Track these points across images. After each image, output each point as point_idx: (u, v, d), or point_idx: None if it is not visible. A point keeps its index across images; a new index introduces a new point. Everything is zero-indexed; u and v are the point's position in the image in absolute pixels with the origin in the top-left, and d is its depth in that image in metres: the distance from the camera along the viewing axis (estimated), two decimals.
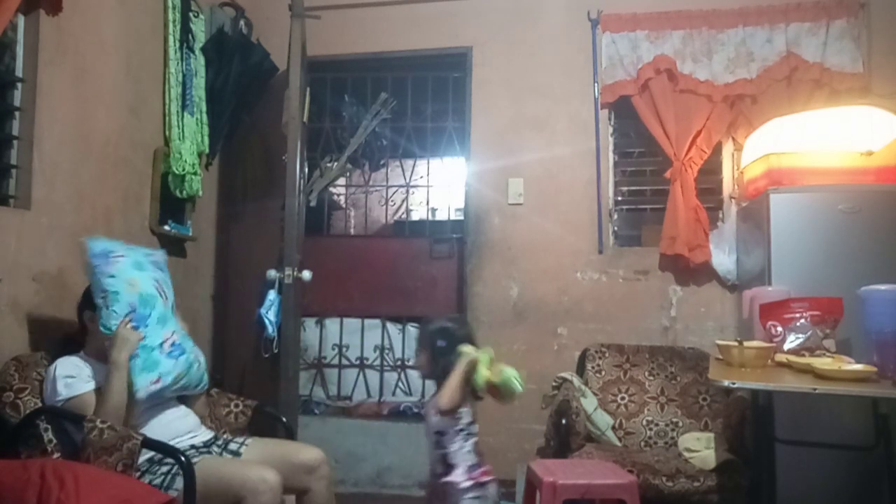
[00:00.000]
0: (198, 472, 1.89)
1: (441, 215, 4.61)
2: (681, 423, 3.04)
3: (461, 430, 1.99)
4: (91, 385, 2.00)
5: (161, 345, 2.09)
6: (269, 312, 2.85)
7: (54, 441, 1.96)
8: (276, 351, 2.87)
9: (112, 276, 2.05)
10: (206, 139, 3.37)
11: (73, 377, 2.00)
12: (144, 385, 2.00)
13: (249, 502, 1.85)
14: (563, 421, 2.85)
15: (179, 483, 1.86)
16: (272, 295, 2.86)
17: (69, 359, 2.06)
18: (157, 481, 1.91)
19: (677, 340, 3.35)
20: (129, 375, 1.98)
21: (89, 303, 2.11)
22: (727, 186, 3.48)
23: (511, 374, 1.90)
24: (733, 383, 1.87)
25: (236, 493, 1.86)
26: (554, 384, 3.16)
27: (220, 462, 2.07)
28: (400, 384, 3.66)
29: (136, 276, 2.10)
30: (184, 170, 3.09)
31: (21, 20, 2.29)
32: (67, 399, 1.96)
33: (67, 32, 2.43)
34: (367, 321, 3.72)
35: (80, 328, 2.18)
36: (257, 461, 2.08)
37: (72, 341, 2.19)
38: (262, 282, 2.92)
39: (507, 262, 3.56)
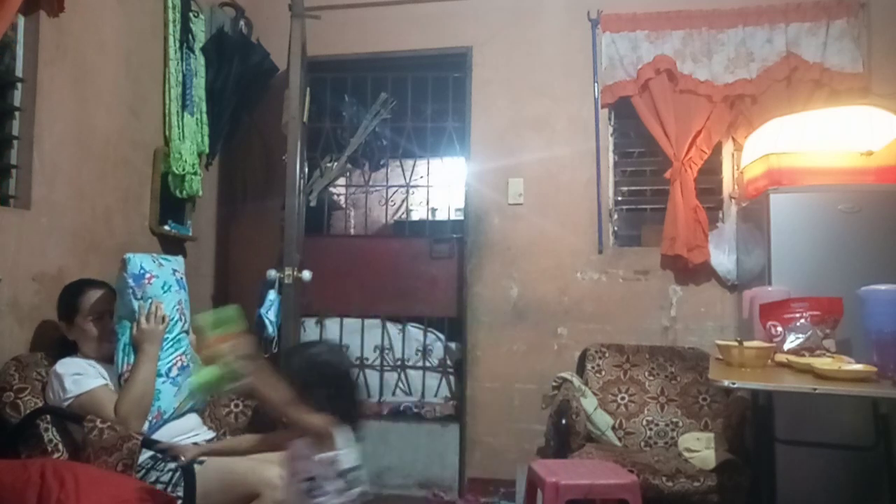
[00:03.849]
0: (211, 468, 1.90)
1: (441, 215, 4.60)
2: (681, 423, 3.04)
3: (340, 475, 1.54)
4: (101, 381, 2.01)
5: (168, 370, 2.10)
6: (269, 312, 2.85)
7: (54, 441, 1.97)
8: (276, 351, 2.87)
9: (142, 300, 2.07)
10: (206, 139, 3.37)
11: (80, 374, 2.01)
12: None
13: (267, 497, 1.86)
14: (563, 421, 2.86)
15: None
16: (272, 295, 2.86)
17: (71, 359, 2.07)
18: (165, 478, 1.91)
19: (677, 340, 3.35)
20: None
21: (64, 313, 2.14)
22: (727, 186, 3.48)
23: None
24: (733, 383, 1.87)
25: (252, 488, 1.87)
26: (554, 384, 3.16)
27: (233, 458, 2.07)
28: (400, 384, 3.66)
29: (162, 300, 2.11)
30: (184, 170, 3.09)
31: (21, 20, 2.29)
32: (77, 395, 1.96)
33: (67, 32, 2.43)
34: (367, 321, 3.71)
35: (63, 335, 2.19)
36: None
37: (70, 342, 2.20)
38: (262, 282, 2.92)
39: (507, 262, 3.56)
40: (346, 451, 1.54)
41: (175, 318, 2.15)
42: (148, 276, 2.09)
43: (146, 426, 2.00)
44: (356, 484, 1.55)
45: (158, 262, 2.17)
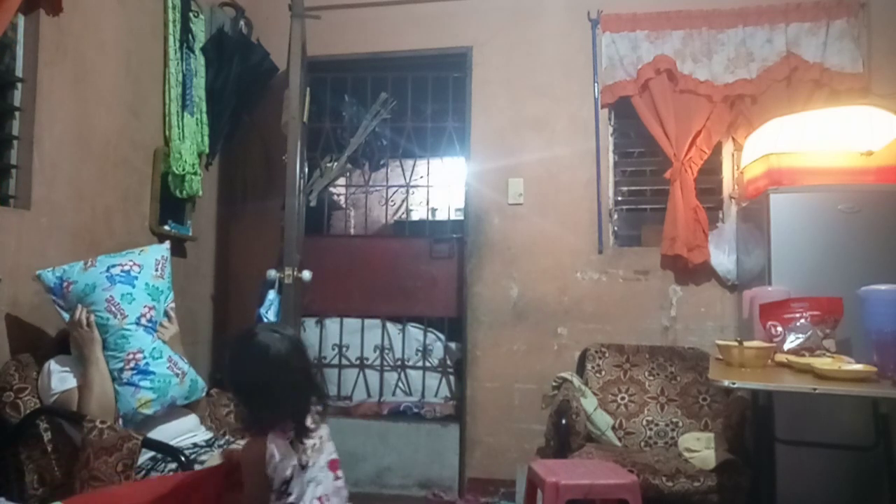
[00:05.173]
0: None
1: (441, 215, 4.60)
2: (681, 423, 3.04)
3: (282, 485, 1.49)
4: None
5: (121, 371, 2.03)
6: (269, 312, 2.84)
7: (54, 441, 1.97)
8: None
9: (70, 308, 2.06)
10: (206, 139, 3.37)
11: (67, 371, 2.03)
12: None
13: None
14: (563, 421, 2.85)
15: None
16: (272, 295, 2.85)
17: (63, 356, 2.09)
18: None
19: (677, 340, 3.35)
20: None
21: None
22: (727, 186, 3.48)
23: None
24: (733, 383, 1.86)
25: None
26: (554, 384, 3.16)
27: None
28: (400, 384, 3.66)
29: (85, 303, 2.05)
30: (184, 170, 3.09)
31: (21, 20, 2.29)
32: (60, 392, 1.99)
33: (67, 32, 2.43)
34: (367, 321, 3.72)
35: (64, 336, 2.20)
36: None
37: (68, 341, 2.20)
38: (262, 282, 2.92)
39: (507, 262, 3.56)
40: (281, 464, 1.48)
41: (104, 317, 2.05)
42: (66, 284, 2.07)
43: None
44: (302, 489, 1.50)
45: (79, 265, 2.11)
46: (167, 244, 2.39)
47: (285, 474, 1.48)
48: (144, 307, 2.15)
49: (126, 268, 2.17)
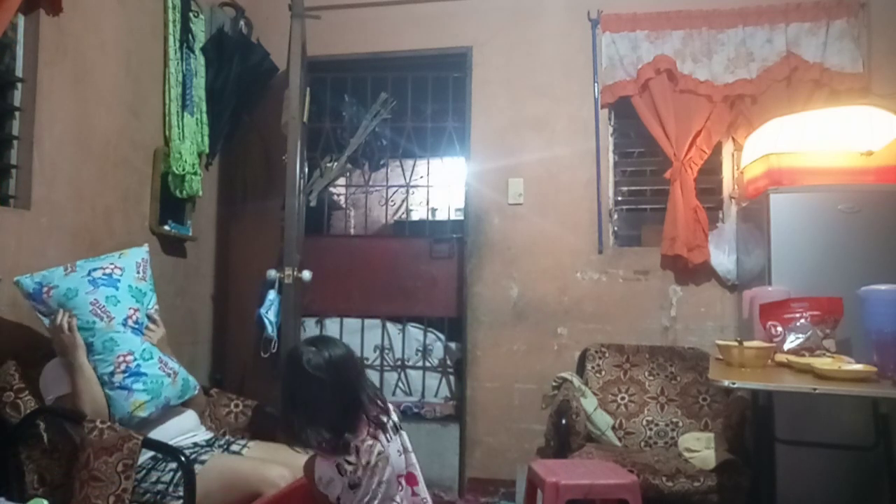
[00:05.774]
0: (213, 467, 1.90)
1: (441, 215, 4.60)
2: (681, 423, 3.04)
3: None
4: None
5: (111, 375, 1.99)
6: (269, 312, 2.85)
7: (54, 441, 1.97)
8: (275, 351, 2.87)
9: (51, 314, 2.02)
10: (206, 139, 3.37)
11: (60, 377, 2.01)
12: None
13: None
14: (563, 421, 2.85)
15: None
16: (272, 295, 2.86)
17: (59, 359, 2.07)
18: (166, 478, 1.91)
19: (677, 340, 3.35)
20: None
21: None
22: (727, 186, 3.48)
23: None
24: (733, 383, 1.86)
25: (255, 488, 1.86)
26: (554, 384, 3.16)
27: (235, 458, 2.07)
28: (400, 384, 3.66)
29: (68, 307, 2.01)
30: (184, 170, 3.09)
31: (21, 20, 2.29)
32: (56, 397, 1.98)
33: (67, 32, 2.43)
34: (367, 321, 3.71)
35: None
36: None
37: None
38: (262, 282, 2.92)
39: (507, 262, 3.56)
40: (330, 485, 1.50)
41: (91, 320, 2.01)
42: (45, 289, 2.03)
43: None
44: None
45: (60, 270, 2.07)
46: (146, 246, 2.35)
47: (336, 493, 1.51)
48: (130, 309, 2.12)
49: (108, 271, 2.13)
